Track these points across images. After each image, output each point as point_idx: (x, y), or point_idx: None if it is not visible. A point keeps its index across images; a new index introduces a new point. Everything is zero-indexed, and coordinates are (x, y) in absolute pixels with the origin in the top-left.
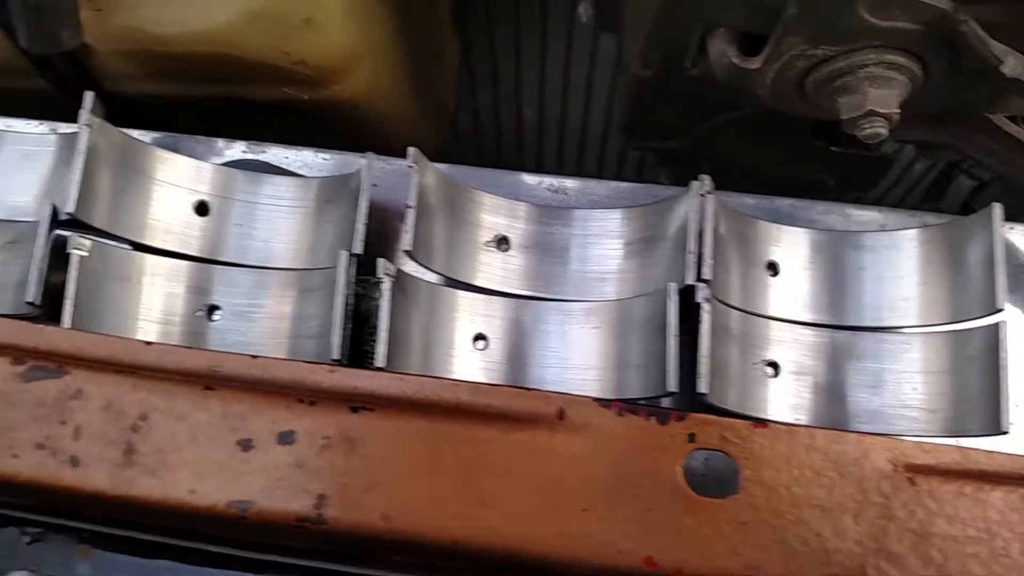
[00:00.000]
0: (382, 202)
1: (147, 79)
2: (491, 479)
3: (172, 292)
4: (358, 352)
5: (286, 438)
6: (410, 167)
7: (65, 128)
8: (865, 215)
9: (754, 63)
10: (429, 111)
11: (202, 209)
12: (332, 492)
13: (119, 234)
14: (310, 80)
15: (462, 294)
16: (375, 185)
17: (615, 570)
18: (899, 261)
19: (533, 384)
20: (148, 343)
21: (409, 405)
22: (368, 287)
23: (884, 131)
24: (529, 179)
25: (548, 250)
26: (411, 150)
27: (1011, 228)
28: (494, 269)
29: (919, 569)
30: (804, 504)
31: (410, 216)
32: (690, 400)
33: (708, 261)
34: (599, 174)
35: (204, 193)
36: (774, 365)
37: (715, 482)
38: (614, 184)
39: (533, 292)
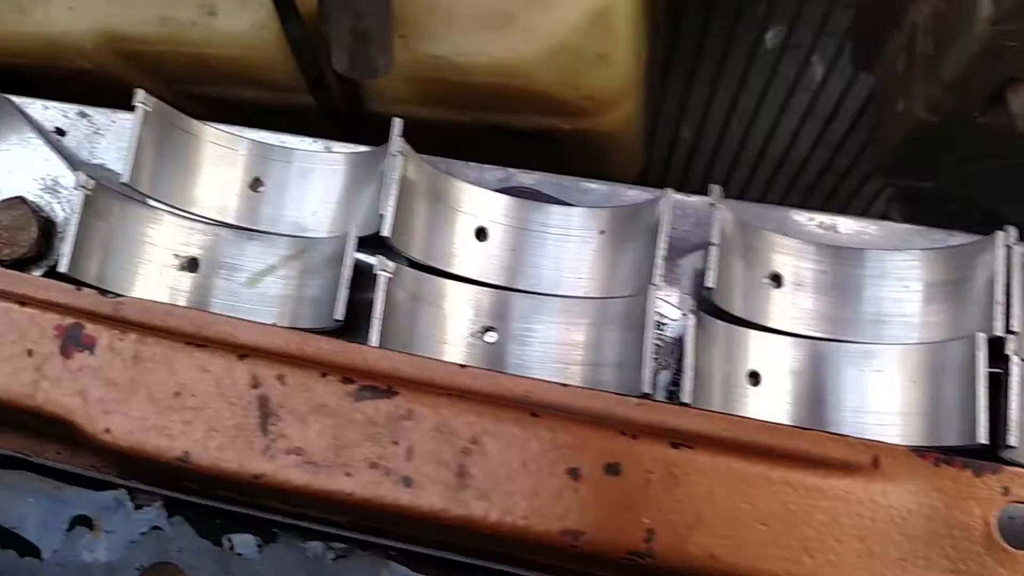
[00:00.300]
0: None
1: (419, 104)
2: (812, 526)
3: (454, 314)
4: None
5: (612, 469)
6: (712, 205)
7: (339, 147)
8: None
9: None
10: (645, 134)
11: (481, 234)
12: (659, 527)
13: (420, 259)
14: (584, 112)
15: (753, 334)
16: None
17: None
18: None
19: (830, 427)
20: (463, 366)
21: (727, 445)
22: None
23: None
24: (797, 216)
25: (829, 290)
26: (713, 187)
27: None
28: (777, 307)
29: None
30: None
31: (713, 254)
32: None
33: (1017, 313)
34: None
35: (484, 219)
36: None
37: None
38: (887, 224)
39: (819, 333)
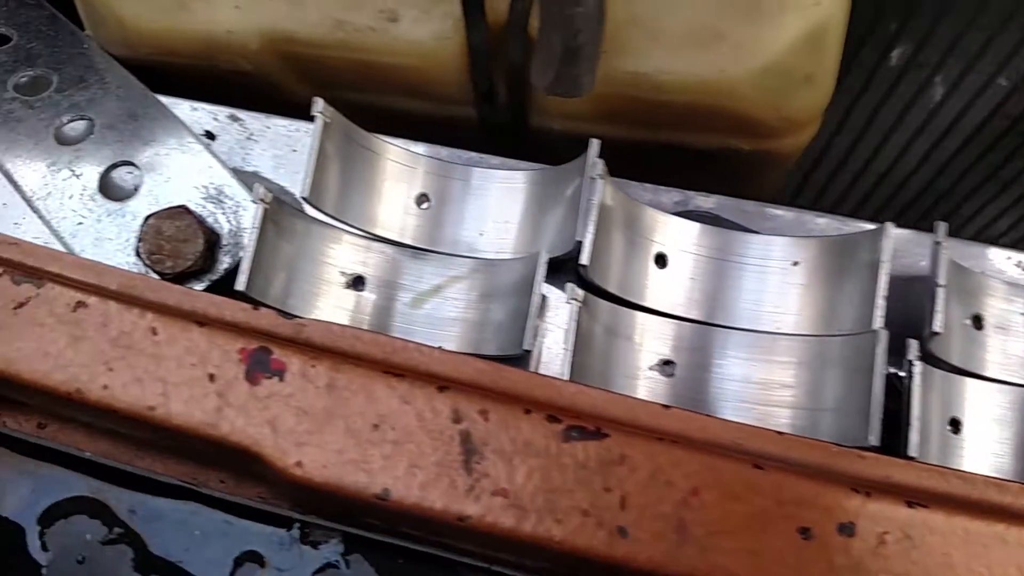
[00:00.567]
0: None
1: (591, 120)
2: None
3: (636, 346)
4: None
5: (846, 530)
6: (936, 243)
7: (508, 163)
8: None
9: None
10: None
11: (660, 261)
12: None
13: (615, 291)
14: (774, 133)
15: (963, 380)
16: None
17: None
18: None
19: None
20: (666, 406)
21: (960, 504)
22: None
23: None
24: (994, 253)
25: None
26: (939, 224)
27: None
28: (984, 352)
29: None
30: None
31: (940, 296)
32: None
33: None
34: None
35: (670, 246)
36: None
37: None
38: None
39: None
